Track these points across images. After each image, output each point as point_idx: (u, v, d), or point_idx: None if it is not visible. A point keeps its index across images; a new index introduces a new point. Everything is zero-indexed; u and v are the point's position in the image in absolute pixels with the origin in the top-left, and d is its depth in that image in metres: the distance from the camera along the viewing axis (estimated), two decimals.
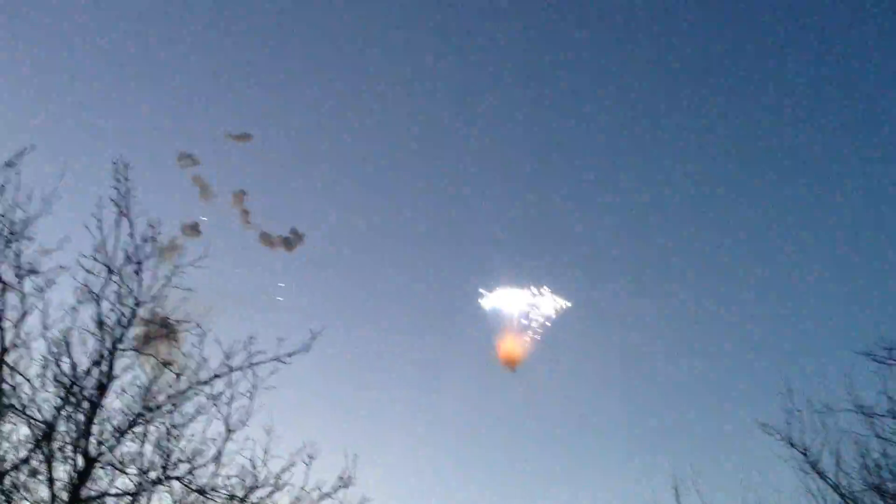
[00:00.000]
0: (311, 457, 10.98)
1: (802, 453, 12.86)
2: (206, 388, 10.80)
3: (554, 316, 32.87)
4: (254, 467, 10.82)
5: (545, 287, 33.10)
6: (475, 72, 48.49)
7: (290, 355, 11.17)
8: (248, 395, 10.86)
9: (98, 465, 10.42)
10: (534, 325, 32.61)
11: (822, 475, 12.74)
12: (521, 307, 32.89)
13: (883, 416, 12.17)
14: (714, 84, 50.80)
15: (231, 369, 10.83)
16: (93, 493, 10.54)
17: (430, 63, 48.83)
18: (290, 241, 28.57)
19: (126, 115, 43.56)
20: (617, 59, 52.14)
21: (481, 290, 33.20)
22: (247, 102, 44.81)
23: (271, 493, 10.87)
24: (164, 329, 10.73)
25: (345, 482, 10.97)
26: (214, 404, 10.81)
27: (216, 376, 10.79)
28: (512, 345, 32.81)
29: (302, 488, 10.92)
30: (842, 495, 12.59)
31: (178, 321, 10.70)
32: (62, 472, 10.38)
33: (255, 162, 36.69)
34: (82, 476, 10.19)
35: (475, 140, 48.14)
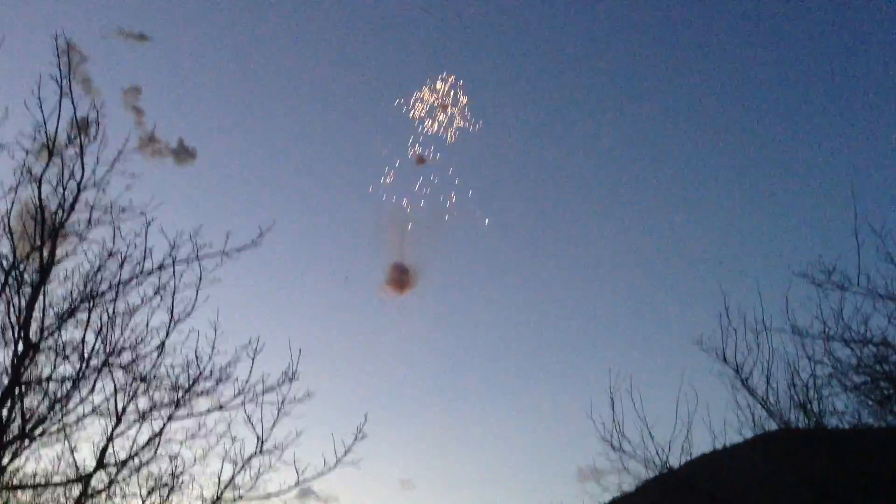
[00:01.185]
0: (256, 351, 11.01)
1: (735, 370, 13.19)
2: (151, 279, 10.71)
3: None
4: (198, 359, 10.83)
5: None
6: None
7: (238, 250, 11.09)
8: (194, 287, 10.79)
9: (39, 350, 10.36)
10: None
11: (752, 392, 13.10)
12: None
13: (815, 337, 12.50)
14: None
15: (176, 261, 10.70)
16: (34, 378, 10.54)
17: None
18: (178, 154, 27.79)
19: None
20: None
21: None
22: None
23: (215, 384, 10.92)
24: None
25: (289, 376, 11.05)
26: (159, 294, 10.73)
27: (161, 267, 10.67)
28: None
29: (246, 381, 10.96)
30: (769, 411, 13.01)
31: (121, 208, 10.46)
32: (3, 355, 10.34)
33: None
34: (23, 360, 10.12)
35: None
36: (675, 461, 13.29)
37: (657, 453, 13.28)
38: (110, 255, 10.54)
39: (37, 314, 10.24)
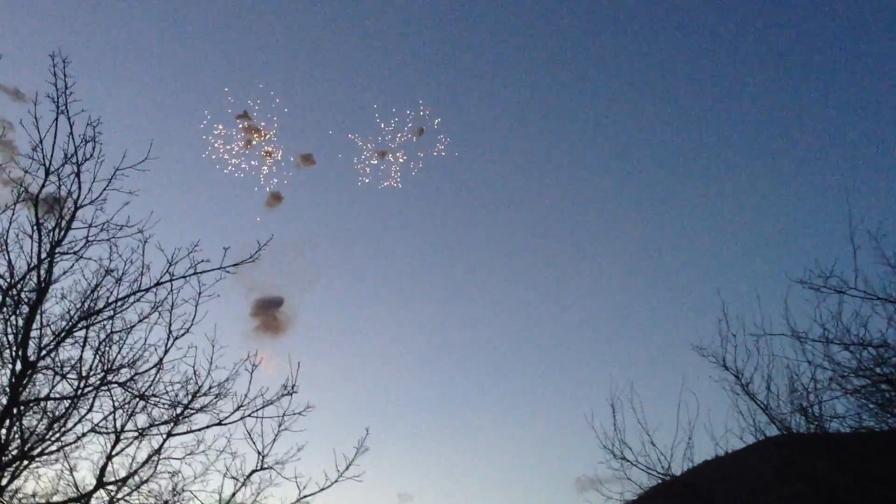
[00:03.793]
0: (254, 365, 10.98)
1: (735, 376, 13.20)
2: (148, 295, 10.70)
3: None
4: (196, 375, 10.81)
5: None
6: None
7: (235, 265, 11.07)
8: (193, 302, 10.77)
9: (37, 369, 10.33)
10: None
11: (752, 397, 13.11)
12: None
13: (815, 340, 12.51)
14: None
15: (173, 277, 10.68)
16: (32, 397, 10.51)
17: None
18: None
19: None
20: None
21: None
22: None
23: (214, 400, 10.89)
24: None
25: (289, 390, 11.01)
26: (157, 311, 10.72)
27: (158, 283, 10.65)
28: None
29: (245, 396, 10.94)
30: (770, 417, 13.00)
31: (118, 226, 10.45)
32: (1, 375, 10.31)
33: None
34: (21, 380, 10.08)
35: None
36: (678, 468, 13.28)
37: (659, 460, 13.28)
38: (108, 272, 10.54)
39: (34, 333, 10.21)
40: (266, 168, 26.77)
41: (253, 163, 26.64)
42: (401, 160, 27.36)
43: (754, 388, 13.06)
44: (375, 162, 27.81)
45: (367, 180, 27.76)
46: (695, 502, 14.21)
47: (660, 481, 13.58)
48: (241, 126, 26.52)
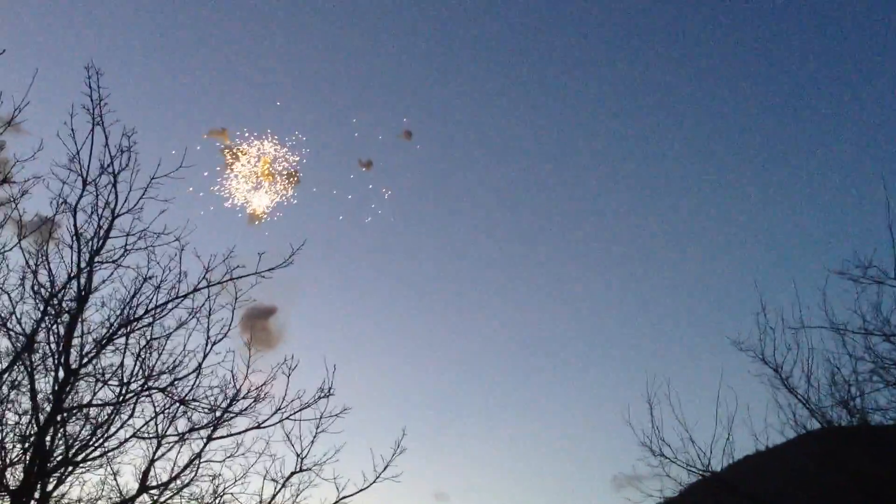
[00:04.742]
0: (291, 368, 11.08)
1: (774, 370, 13.06)
2: (186, 302, 10.83)
3: None
4: (234, 379, 10.93)
5: None
6: None
7: (271, 270, 11.16)
8: (230, 308, 10.88)
9: (79, 376, 10.50)
10: None
11: (792, 391, 12.98)
12: None
13: (855, 332, 12.35)
14: None
15: (210, 283, 10.80)
16: (75, 404, 10.68)
17: None
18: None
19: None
20: None
21: None
22: None
23: (253, 403, 11.00)
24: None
25: (325, 392, 11.09)
26: (195, 317, 10.85)
27: (196, 289, 10.78)
28: None
29: (283, 399, 11.03)
30: (811, 410, 12.86)
31: (155, 234, 10.59)
32: (44, 383, 10.49)
33: None
34: (64, 387, 10.25)
35: None
36: (717, 464, 13.17)
37: (698, 457, 13.17)
38: (146, 279, 10.68)
39: (76, 341, 10.37)
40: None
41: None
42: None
43: (794, 382, 12.93)
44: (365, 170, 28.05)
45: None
46: (735, 499, 14.06)
47: (699, 478, 13.47)
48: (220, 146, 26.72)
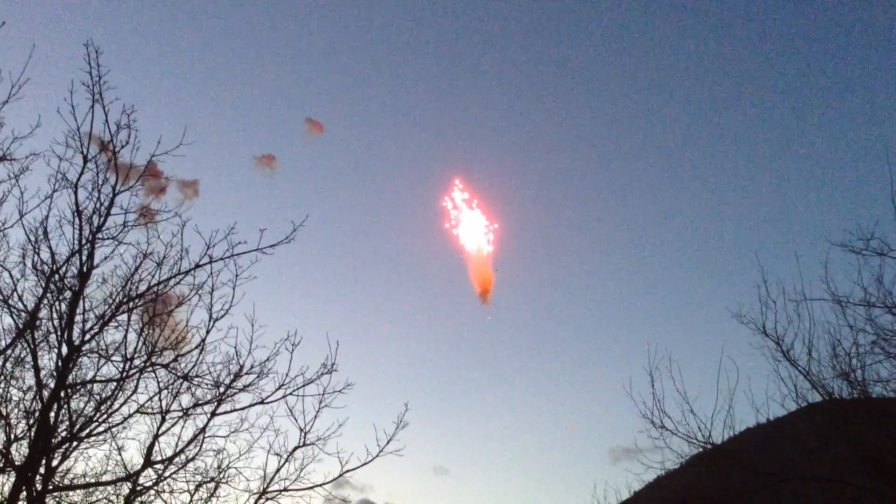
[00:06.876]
0: (294, 345, 11.09)
1: (776, 342, 13.05)
2: (188, 278, 10.82)
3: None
4: (237, 355, 10.95)
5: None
6: None
7: (272, 246, 11.13)
8: (230, 284, 10.87)
9: (82, 352, 10.52)
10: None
11: (793, 363, 12.96)
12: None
13: (856, 304, 12.32)
14: None
15: (212, 259, 10.79)
16: (78, 380, 10.72)
17: None
18: None
19: None
20: None
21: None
22: None
23: (256, 379, 11.03)
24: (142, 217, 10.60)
25: (328, 368, 11.12)
26: (197, 293, 10.85)
27: (197, 266, 10.77)
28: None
29: (286, 375, 11.06)
30: (812, 382, 12.85)
31: (156, 210, 10.58)
32: (47, 360, 10.52)
33: None
34: (67, 363, 10.28)
35: None
36: (719, 436, 13.19)
37: (699, 429, 13.20)
38: (146, 256, 10.67)
39: (78, 317, 10.38)
40: None
41: None
42: None
43: (795, 354, 12.92)
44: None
45: None
46: (737, 470, 14.13)
47: (701, 450, 13.52)
48: None
